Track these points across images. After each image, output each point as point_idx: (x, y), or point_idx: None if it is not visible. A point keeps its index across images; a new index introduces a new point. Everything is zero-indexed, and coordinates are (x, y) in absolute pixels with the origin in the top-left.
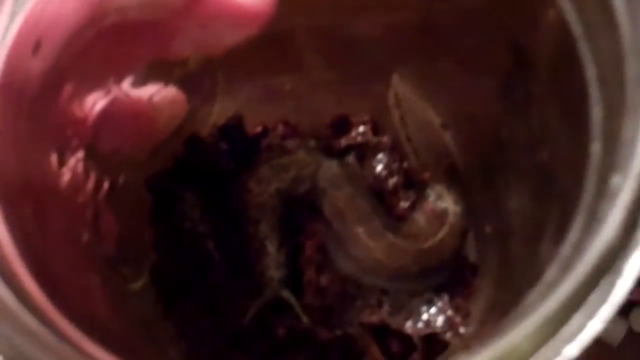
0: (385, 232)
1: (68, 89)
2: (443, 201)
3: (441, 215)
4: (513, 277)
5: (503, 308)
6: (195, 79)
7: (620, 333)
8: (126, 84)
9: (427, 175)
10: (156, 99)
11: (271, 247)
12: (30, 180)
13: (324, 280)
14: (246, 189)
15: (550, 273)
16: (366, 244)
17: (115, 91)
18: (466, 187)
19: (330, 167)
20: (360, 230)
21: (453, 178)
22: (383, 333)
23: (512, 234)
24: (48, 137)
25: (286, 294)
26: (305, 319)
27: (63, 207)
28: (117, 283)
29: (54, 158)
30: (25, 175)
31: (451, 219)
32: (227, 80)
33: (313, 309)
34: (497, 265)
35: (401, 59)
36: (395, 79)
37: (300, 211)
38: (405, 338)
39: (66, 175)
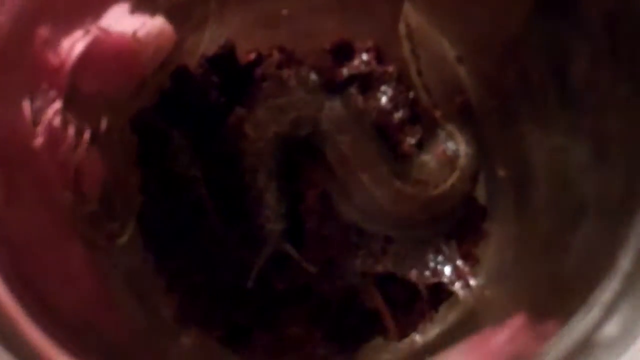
0: (392, 179)
1: (40, 35)
2: (454, 142)
3: (452, 158)
4: (537, 233)
5: (521, 265)
6: (185, 7)
7: None
8: (106, 20)
9: (438, 113)
10: (141, 33)
11: (270, 198)
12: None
13: (326, 230)
14: (242, 134)
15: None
16: (372, 192)
17: (94, 30)
18: (480, 126)
19: (334, 108)
20: (365, 177)
21: (466, 117)
22: (387, 282)
23: (534, 186)
24: (20, 92)
25: (288, 248)
26: (312, 269)
27: (40, 171)
28: (101, 245)
29: (28, 116)
30: None
31: (462, 162)
32: (220, 6)
33: (315, 261)
34: (513, 215)
35: None
36: (408, 7)
37: (300, 156)
38: (410, 286)
39: (43, 135)
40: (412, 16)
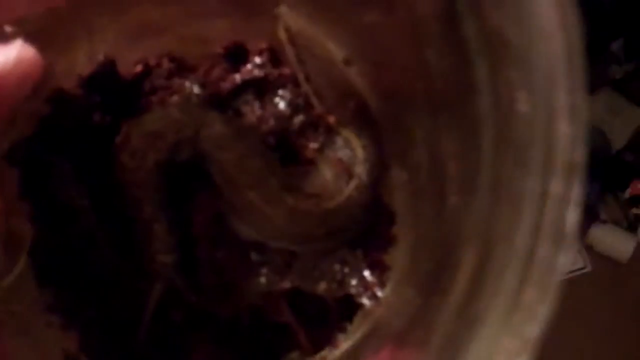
0: (283, 196)
1: None
2: (351, 149)
3: (348, 167)
4: (444, 237)
5: (432, 272)
6: (42, 31)
7: (629, 248)
8: None
9: (332, 119)
10: None
11: (159, 229)
12: None
13: (220, 254)
14: (119, 164)
15: None
16: (263, 211)
17: None
18: (379, 129)
19: (213, 126)
20: (253, 195)
21: (362, 121)
22: (296, 296)
23: (438, 189)
24: None
25: (179, 282)
26: (201, 300)
27: None
28: None
29: None
30: None
31: (359, 169)
32: (87, 23)
33: (211, 288)
34: (422, 219)
35: None
36: (285, 11)
37: (186, 180)
38: (321, 299)
39: None
40: (290, 20)
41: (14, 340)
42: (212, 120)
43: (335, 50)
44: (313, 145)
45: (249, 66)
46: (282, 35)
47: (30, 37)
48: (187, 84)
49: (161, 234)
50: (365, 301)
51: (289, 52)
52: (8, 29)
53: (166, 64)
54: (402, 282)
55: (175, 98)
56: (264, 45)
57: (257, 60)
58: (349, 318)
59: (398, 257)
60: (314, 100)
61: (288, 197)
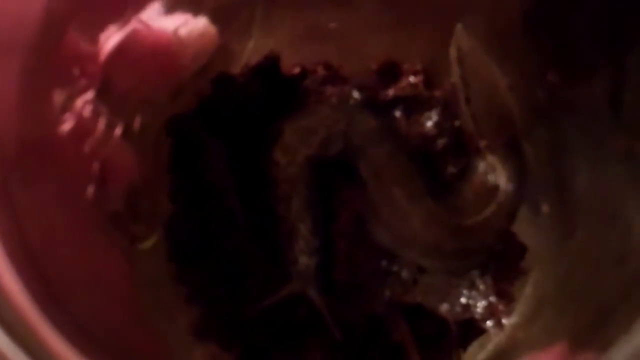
0: (426, 197)
1: (76, 22)
2: (495, 175)
3: (490, 192)
4: (579, 274)
5: (560, 307)
6: (230, 10)
7: None
8: (148, 14)
9: (483, 143)
10: (183, 31)
11: (304, 230)
12: (25, 140)
13: (357, 255)
14: (272, 161)
15: None
16: (403, 208)
17: (134, 23)
18: (526, 160)
19: (366, 121)
20: (398, 191)
21: (512, 151)
22: (415, 314)
23: (580, 224)
24: (49, 80)
25: (313, 294)
26: (337, 335)
27: (64, 162)
28: (123, 245)
29: (56, 103)
30: (18, 136)
31: (501, 197)
32: (266, 13)
33: (343, 287)
34: (555, 254)
35: (469, 5)
36: (459, 30)
37: (334, 175)
38: (439, 321)
39: (69, 122)
40: (463, 40)
41: (146, 305)
42: (363, 116)
43: (501, 77)
44: (452, 169)
45: (402, 83)
46: (453, 53)
47: (214, 15)
48: (347, 87)
49: (305, 234)
50: (489, 326)
51: (455, 72)
52: None
53: (321, 71)
54: (525, 315)
55: (333, 100)
56: (419, 66)
57: (411, 79)
58: (467, 344)
59: (524, 290)
60: (469, 122)
61: (429, 200)
